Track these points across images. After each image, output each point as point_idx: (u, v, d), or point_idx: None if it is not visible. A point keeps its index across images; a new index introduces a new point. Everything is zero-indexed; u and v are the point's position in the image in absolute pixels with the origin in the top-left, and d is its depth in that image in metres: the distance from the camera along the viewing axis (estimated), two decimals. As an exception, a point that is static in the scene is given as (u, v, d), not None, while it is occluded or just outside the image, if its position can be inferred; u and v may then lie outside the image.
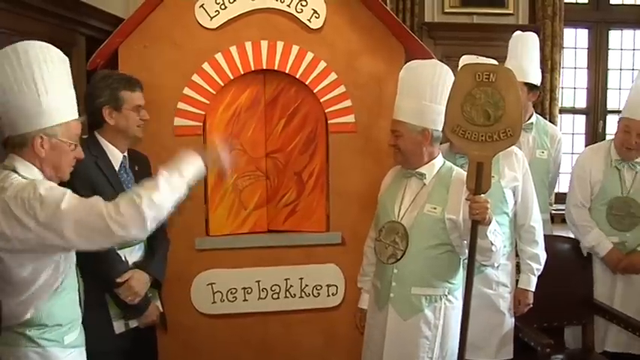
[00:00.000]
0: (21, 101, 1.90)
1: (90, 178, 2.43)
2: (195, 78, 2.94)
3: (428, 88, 2.59)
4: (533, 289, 3.00)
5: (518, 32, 3.72)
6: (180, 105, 2.94)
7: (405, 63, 3.00)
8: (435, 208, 2.58)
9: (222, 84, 2.97)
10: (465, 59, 2.97)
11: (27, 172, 1.94)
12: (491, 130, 2.37)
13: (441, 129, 2.63)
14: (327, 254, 3.13)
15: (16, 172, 1.93)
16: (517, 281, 3.07)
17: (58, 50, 2.00)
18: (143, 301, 2.56)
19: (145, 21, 2.89)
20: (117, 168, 2.57)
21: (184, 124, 2.95)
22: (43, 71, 1.92)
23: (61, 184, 2.19)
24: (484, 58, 3.00)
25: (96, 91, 2.53)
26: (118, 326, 2.54)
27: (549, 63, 5.24)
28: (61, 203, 1.83)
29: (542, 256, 3.01)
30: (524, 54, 3.57)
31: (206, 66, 2.94)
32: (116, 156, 2.58)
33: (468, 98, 2.38)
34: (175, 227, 2.87)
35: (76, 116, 2.05)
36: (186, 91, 2.94)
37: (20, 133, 1.93)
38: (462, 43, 4.87)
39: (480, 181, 2.38)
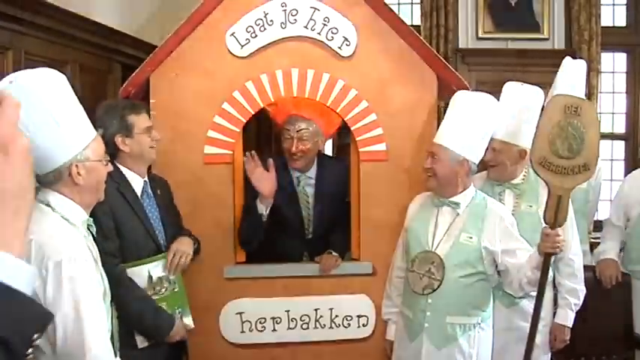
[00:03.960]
0: (43, 137, 1.77)
1: (110, 204, 2.39)
2: (226, 106, 2.93)
3: (483, 124, 2.62)
4: (570, 324, 2.90)
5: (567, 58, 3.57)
6: (211, 133, 2.93)
7: (438, 91, 2.98)
8: (470, 238, 2.59)
9: (253, 112, 2.97)
10: (510, 86, 2.91)
11: (61, 206, 1.86)
12: (572, 164, 2.39)
13: (477, 162, 2.64)
14: (358, 284, 3.07)
15: (49, 206, 1.85)
16: (554, 314, 2.97)
17: (53, 70, 1.85)
18: (167, 321, 2.53)
19: (176, 50, 2.91)
20: (139, 193, 2.58)
21: (214, 152, 2.94)
22: (53, 98, 1.79)
23: None
24: (529, 85, 2.93)
25: (105, 123, 2.51)
26: (141, 340, 2.50)
27: (587, 88, 5.13)
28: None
29: (582, 291, 2.91)
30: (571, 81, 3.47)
31: (237, 94, 2.94)
32: (137, 181, 2.59)
33: (555, 130, 2.38)
34: (204, 255, 2.85)
35: (95, 132, 1.95)
36: (217, 119, 2.93)
37: (53, 168, 1.84)
38: (497, 68, 4.82)
39: (558, 214, 2.40)
